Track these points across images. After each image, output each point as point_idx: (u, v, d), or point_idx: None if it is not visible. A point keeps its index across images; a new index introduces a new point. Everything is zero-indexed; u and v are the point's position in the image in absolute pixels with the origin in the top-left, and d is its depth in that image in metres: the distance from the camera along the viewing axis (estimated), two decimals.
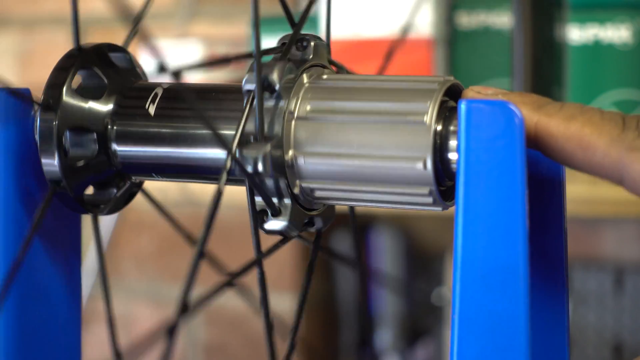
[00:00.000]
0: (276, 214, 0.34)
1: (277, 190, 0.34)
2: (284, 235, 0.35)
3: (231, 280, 0.31)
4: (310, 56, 0.35)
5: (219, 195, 0.32)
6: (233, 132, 0.33)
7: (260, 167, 0.33)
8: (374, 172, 0.33)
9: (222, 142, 0.32)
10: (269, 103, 0.34)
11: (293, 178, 0.34)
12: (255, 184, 0.33)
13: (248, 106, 0.33)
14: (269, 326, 0.34)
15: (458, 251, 0.31)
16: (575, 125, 0.31)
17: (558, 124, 0.32)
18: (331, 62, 0.36)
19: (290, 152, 0.34)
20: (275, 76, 0.33)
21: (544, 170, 0.35)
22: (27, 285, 0.38)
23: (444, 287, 1.10)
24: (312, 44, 0.35)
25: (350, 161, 0.33)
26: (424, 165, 0.32)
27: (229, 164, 0.32)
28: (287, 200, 0.34)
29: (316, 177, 0.34)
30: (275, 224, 0.34)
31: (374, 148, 0.33)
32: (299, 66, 0.34)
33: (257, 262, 0.33)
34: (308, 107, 0.34)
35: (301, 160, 0.33)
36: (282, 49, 0.35)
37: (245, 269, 0.32)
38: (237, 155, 0.33)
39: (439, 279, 1.11)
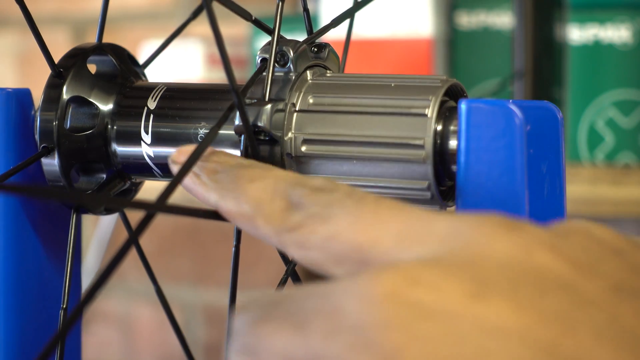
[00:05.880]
0: None
1: (270, 156, 0.34)
2: None
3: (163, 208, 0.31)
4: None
5: (212, 135, 0.31)
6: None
7: (260, 121, 0.33)
8: (373, 122, 0.33)
9: (231, 81, 0.32)
10: (280, 73, 0.34)
11: (288, 129, 0.34)
12: (251, 138, 0.33)
13: (258, 71, 0.34)
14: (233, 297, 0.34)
15: None
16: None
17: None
18: None
19: (293, 102, 0.34)
20: (289, 49, 0.34)
21: (544, 169, 0.35)
22: (26, 285, 0.38)
23: None
24: (327, 50, 0.36)
25: (349, 107, 0.33)
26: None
27: (234, 105, 0.32)
28: None
29: (310, 125, 0.34)
30: None
31: (374, 110, 0.33)
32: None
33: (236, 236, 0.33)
34: (325, 73, 0.35)
35: (302, 107, 0.34)
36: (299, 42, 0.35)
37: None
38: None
39: None
